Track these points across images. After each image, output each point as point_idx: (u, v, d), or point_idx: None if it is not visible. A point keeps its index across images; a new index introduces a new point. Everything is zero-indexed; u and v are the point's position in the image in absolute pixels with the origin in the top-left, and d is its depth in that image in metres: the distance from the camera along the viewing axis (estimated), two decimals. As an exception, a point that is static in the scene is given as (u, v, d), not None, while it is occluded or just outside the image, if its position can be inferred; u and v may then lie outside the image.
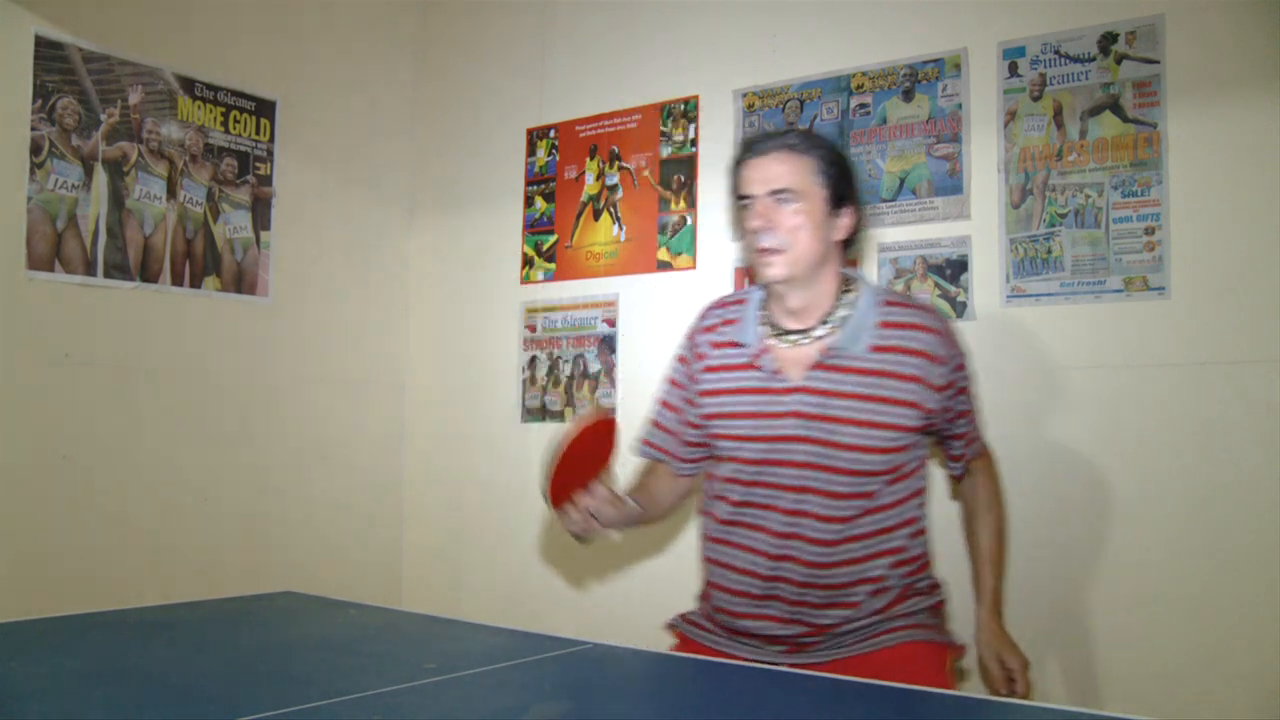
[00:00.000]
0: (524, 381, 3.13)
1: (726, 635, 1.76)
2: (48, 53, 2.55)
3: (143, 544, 2.71)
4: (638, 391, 2.90)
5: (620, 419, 1.71)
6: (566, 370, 3.04)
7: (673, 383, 1.85)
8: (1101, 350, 2.21)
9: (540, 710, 1.17)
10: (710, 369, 1.75)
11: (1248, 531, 2.03)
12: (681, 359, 1.83)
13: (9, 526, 2.47)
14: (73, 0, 2.61)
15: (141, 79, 2.75)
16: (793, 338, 1.68)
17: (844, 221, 1.69)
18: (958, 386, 1.70)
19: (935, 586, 1.78)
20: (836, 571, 1.66)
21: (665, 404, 1.86)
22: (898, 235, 2.47)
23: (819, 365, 1.64)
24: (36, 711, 1.16)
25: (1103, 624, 2.17)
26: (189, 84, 2.86)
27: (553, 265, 3.11)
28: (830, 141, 1.71)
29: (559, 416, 3.04)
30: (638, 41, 2.99)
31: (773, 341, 1.70)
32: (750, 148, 1.69)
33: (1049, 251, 2.28)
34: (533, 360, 3.12)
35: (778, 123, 2.68)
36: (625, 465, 1.88)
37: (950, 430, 1.75)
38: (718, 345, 1.76)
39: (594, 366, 2.99)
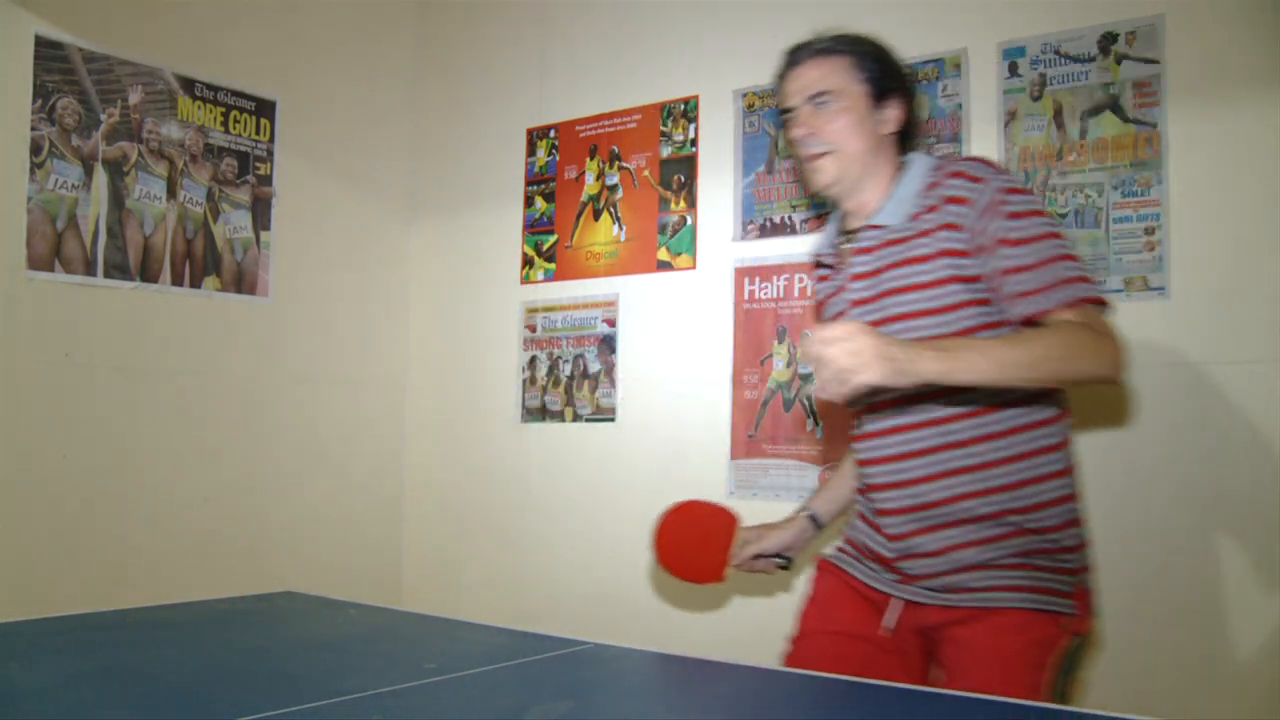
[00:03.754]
0: (524, 381, 3.13)
1: (858, 559, 1.70)
2: (48, 53, 2.56)
3: (143, 544, 2.71)
4: (638, 391, 2.90)
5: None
6: (566, 370, 3.04)
7: None
8: (1101, 350, 2.21)
9: (540, 710, 1.17)
10: (820, 289, 1.76)
11: (1247, 533, 2.03)
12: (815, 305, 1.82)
13: (9, 526, 2.47)
14: (73, 0, 2.61)
15: (141, 79, 2.75)
16: (855, 234, 1.65)
17: (891, 114, 1.64)
18: (1002, 236, 1.47)
19: (1077, 548, 1.57)
20: (929, 488, 1.55)
21: None
22: (897, 235, 2.47)
23: (862, 250, 1.62)
24: (36, 711, 1.16)
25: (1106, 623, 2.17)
26: (189, 84, 2.86)
27: (553, 265, 3.11)
28: (867, 37, 1.68)
29: (559, 416, 3.04)
30: (638, 41, 2.99)
31: (841, 242, 1.70)
32: (786, 60, 1.69)
33: (1049, 251, 2.28)
34: (533, 360, 3.12)
35: (777, 123, 2.68)
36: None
37: (1004, 288, 1.48)
38: (815, 268, 1.78)
39: (594, 366, 2.99)
